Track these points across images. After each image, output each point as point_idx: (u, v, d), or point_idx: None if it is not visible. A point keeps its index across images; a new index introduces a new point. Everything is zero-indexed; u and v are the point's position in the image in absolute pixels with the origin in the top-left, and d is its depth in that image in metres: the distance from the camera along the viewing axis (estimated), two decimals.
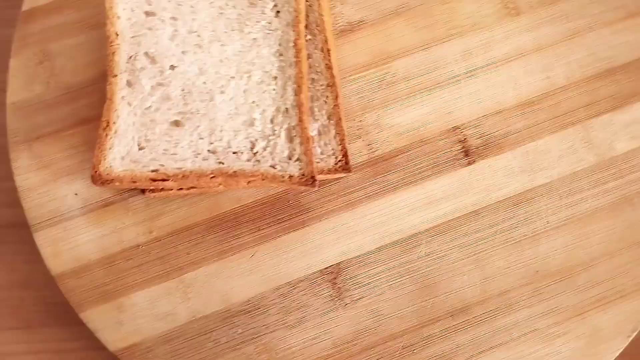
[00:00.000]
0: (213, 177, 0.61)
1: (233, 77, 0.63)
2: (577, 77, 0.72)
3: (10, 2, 0.75)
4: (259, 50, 0.64)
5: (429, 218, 0.68)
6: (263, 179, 0.62)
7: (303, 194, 0.68)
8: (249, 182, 0.62)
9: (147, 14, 0.63)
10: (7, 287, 0.71)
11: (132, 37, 0.62)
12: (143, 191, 0.63)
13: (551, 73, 0.72)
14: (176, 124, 0.62)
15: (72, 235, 0.65)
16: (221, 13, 0.64)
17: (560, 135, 0.71)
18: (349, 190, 0.68)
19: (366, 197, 0.68)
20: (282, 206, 0.68)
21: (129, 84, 0.61)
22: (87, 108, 0.68)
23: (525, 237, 0.68)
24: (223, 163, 0.61)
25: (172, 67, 0.62)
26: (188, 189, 0.63)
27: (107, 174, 0.59)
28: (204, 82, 0.62)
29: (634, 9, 0.74)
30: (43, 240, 0.65)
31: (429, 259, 0.67)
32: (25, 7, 0.70)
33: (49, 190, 0.66)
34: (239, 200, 0.67)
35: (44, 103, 0.68)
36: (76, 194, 0.66)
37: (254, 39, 0.64)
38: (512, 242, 0.68)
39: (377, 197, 0.68)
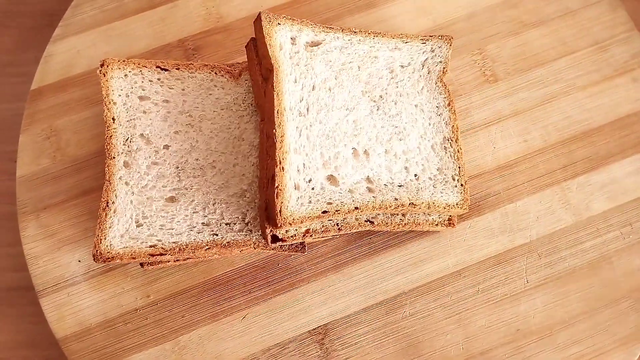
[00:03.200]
0: (208, 248, 0.65)
1: (224, 153, 0.67)
2: (554, 140, 0.75)
3: (22, 77, 0.81)
4: (247, 127, 0.69)
5: (413, 279, 0.71)
6: (255, 247, 0.66)
7: (292, 256, 0.72)
8: (241, 250, 0.66)
9: (141, 98, 0.68)
10: (13, 347, 0.75)
11: (128, 120, 0.67)
12: (142, 265, 0.67)
13: (528, 136, 0.75)
14: (171, 199, 0.66)
15: (75, 300, 0.70)
16: (210, 94, 0.69)
17: (539, 196, 0.74)
18: (336, 253, 0.72)
19: (352, 259, 0.72)
20: (272, 269, 0.71)
21: (126, 164, 0.66)
22: (90, 180, 0.73)
23: (506, 296, 0.71)
24: (217, 235, 0.65)
25: (166, 147, 0.67)
26: (184, 259, 0.67)
27: (108, 252, 0.63)
28: (196, 159, 0.67)
29: (608, 72, 0.77)
30: (48, 305, 0.70)
31: (413, 318, 0.70)
32: (33, 85, 0.75)
33: (54, 257, 0.71)
34: (231, 264, 0.71)
35: (51, 175, 0.73)
36: (79, 261, 0.71)
37: (241, 116, 0.69)
38: (494, 301, 0.70)
39: (363, 258, 0.72)
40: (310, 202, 0.60)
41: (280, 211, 0.58)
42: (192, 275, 0.71)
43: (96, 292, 0.70)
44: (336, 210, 0.61)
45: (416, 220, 0.68)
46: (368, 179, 0.64)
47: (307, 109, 0.63)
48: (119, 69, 0.67)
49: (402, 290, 0.71)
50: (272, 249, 0.66)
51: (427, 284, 0.71)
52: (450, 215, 0.70)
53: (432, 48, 0.70)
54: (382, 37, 0.68)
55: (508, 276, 0.71)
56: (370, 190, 0.64)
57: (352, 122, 0.65)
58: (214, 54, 0.77)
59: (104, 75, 0.67)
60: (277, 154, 0.59)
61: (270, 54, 0.62)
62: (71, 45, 0.77)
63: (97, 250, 0.63)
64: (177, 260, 0.66)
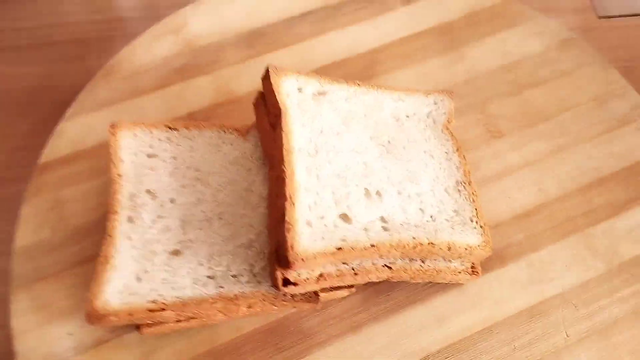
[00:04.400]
0: (213, 302, 0.59)
1: (231, 204, 0.65)
2: (570, 188, 0.73)
3: (33, 160, 0.82)
4: (255, 179, 0.68)
5: (439, 337, 0.64)
6: (264, 300, 0.60)
7: (304, 319, 0.65)
8: (249, 305, 0.61)
9: (149, 156, 0.68)
10: None
11: (135, 177, 0.66)
12: (138, 327, 0.62)
13: (543, 186, 0.73)
14: (176, 253, 0.63)
15: None
16: (218, 150, 0.69)
17: (563, 244, 0.69)
18: (352, 312, 0.66)
19: (371, 318, 0.65)
20: (283, 333, 0.65)
21: (130, 219, 0.64)
22: (91, 247, 0.69)
23: (547, 353, 0.63)
24: (223, 287, 0.61)
25: (172, 201, 0.65)
26: (187, 319, 0.61)
27: (103, 309, 0.58)
28: (202, 211, 0.65)
29: (612, 124, 0.78)
30: None
31: None
32: (42, 160, 0.76)
33: (43, 332, 0.64)
34: (238, 330, 0.65)
35: (50, 246, 0.70)
36: (70, 334, 0.64)
37: (249, 169, 0.68)
38: (534, 359, 0.63)
39: (382, 317, 0.65)
40: (323, 238, 0.57)
41: (292, 246, 0.54)
42: (195, 343, 0.64)
43: None
44: (351, 247, 0.57)
45: (437, 268, 0.64)
46: (382, 219, 0.61)
47: (316, 151, 0.62)
48: (129, 129, 0.68)
49: (429, 352, 0.63)
50: (283, 301, 0.61)
51: (456, 343, 0.64)
52: (473, 264, 0.65)
53: (434, 101, 0.72)
54: (386, 89, 0.70)
55: (545, 331, 0.64)
56: (385, 229, 0.60)
57: (363, 164, 0.64)
58: (223, 122, 0.78)
59: (114, 135, 0.67)
60: (287, 189, 0.57)
61: (278, 99, 0.63)
62: (83, 122, 0.79)
63: (91, 308, 0.58)
64: (179, 320, 0.61)
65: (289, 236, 0.55)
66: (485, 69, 0.83)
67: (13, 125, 0.86)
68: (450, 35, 0.86)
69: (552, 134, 0.77)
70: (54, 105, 0.86)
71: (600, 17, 0.92)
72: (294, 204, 0.57)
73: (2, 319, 0.68)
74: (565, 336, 0.64)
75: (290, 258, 0.54)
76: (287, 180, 0.58)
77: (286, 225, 0.55)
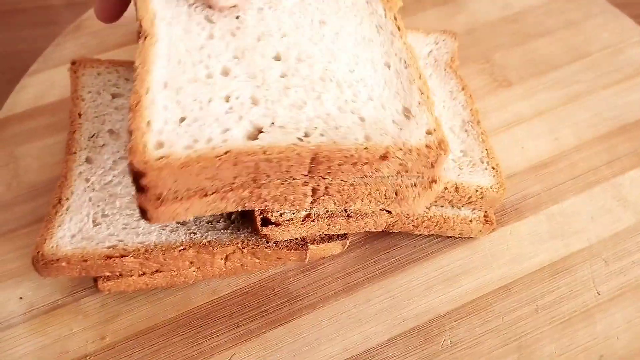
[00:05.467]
0: (183, 249, 0.50)
1: None
2: (589, 137, 0.65)
3: None
4: None
5: (449, 298, 0.55)
6: (242, 248, 0.51)
7: (291, 279, 0.56)
8: (226, 257, 0.52)
9: (114, 95, 0.60)
10: None
11: (96, 117, 0.58)
12: (95, 280, 0.52)
13: (559, 134, 0.65)
14: None
15: (7, 348, 0.52)
16: None
17: (587, 195, 0.61)
18: (346, 272, 0.57)
19: (368, 277, 0.56)
20: (266, 295, 0.55)
21: (89, 160, 0.55)
22: (46, 206, 0.59)
23: (575, 313, 0.54)
24: (195, 233, 0.52)
25: None
26: (152, 273, 0.52)
27: (53, 254, 0.49)
28: None
29: (630, 71, 0.71)
30: None
31: (457, 349, 0.52)
32: None
33: None
34: (213, 292, 0.55)
35: (2, 203, 0.61)
36: (21, 298, 0.55)
37: None
38: (560, 320, 0.53)
39: (381, 276, 0.56)
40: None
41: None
42: (163, 308, 0.55)
43: (36, 336, 0.53)
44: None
45: (444, 215, 0.55)
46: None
47: None
48: (92, 67, 0.61)
49: (437, 313, 0.54)
50: (266, 249, 0.51)
51: (469, 304, 0.55)
52: (485, 212, 0.57)
53: (435, 41, 0.65)
54: None
55: (572, 288, 0.55)
56: None
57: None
58: None
59: (75, 73, 0.60)
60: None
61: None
62: (47, 77, 0.71)
63: (38, 252, 0.49)
64: (144, 274, 0.51)
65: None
66: (487, 20, 0.76)
67: None
68: None
69: (564, 83, 0.70)
70: (18, 69, 0.79)
71: None
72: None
73: None
74: (596, 294, 0.55)
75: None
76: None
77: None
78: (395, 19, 0.53)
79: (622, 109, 0.68)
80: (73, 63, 0.60)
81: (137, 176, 0.40)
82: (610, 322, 0.53)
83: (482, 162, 0.56)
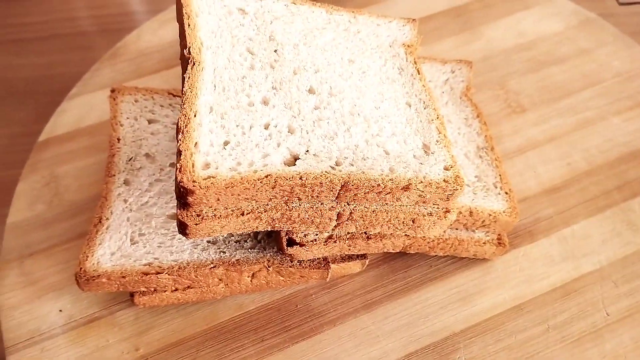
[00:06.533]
0: (213, 267, 0.54)
1: None
2: (600, 162, 0.68)
3: (27, 145, 0.78)
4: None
5: (463, 316, 0.57)
6: (268, 266, 0.55)
7: (313, 296, 0.59)
8: (253, 275, 0.55)
9: (150, 121, 0.65)
10: None
11: (134, 141, 0.63)
12: (132, 295, 0.56)
13: (571, 160, 0.68)
14: (173, 217, 0.58)
15: (49, 357, 0.56)
16: None
17: (598, 218, 0.63)
18: (365, 290, 0.60)
19: (386, 295, 0.59)
20: (289, 311, 0.59)
21: (127, 182, 0.60)
22: (85, 223, 0.65)
23: (585, 333, 0.56)
24: (225, 252, 0.55)
25: (172, 165, 0.61)
26: (184, 289, 0.56)
27: (94, 270, 0.53)
28: None
29: None
30: None
31: None
32: (41, 138, 0.73)
33: (32, 308, 0.59)
34: (240, 307, 0.59)
35: (44, 220, 0.66)
36: (60, 310, 0.59)
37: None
38: (571, 340, 0.56)
39: (399, 295, 0.59)
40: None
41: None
42: (193, 321, 0.58)
43: (75, 346, 0.57)
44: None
45: (459, 237, 0.58)
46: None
47: None
48: (130, 94, 0.65)
49: (452, 331, 0.57)
50: (290, 268, 0.55)
51: (483, 323, 0.57)
52: (499, 235, 0.60)
53: (452, 69, 0.68)
54: None
55: (582, 309, 0.58)
56: None
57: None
58: None
59: (114, 100, 0.64)
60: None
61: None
62: (85, 101, 0.76)
63: (80, 269, 0.53)
64: (176, 289, 0.55)
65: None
66: (502, 48, 0.79)
67: (16, 112, 0.84)
68: (464, 17, 0.83)
69: (576, 109, 0.73)
70: (57, 92, 0.84)
71: (621, 4, 0.89)
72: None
73: None
74: (605, 315, 0.57)
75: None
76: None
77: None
78: (415, 62, 0.57)
79: (633, 135, 0.70)
80: (112, 91, 0.65)
81: (183, 193, 0.44)
82: (619, 342, 0.55)
83: (496, 187, 0.59)
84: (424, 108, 0.54)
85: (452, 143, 0.62)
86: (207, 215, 0.47)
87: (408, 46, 0.59)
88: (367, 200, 0.48)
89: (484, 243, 0.58)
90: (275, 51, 0.55)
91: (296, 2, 0.60)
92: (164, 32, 0.84)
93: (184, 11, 0.53)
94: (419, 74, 0.56)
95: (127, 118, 0.64)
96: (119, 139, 0.62)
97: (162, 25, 0.85)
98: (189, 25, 0.52)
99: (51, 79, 0.87)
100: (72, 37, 0.92)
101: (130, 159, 0.61)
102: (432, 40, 0.80)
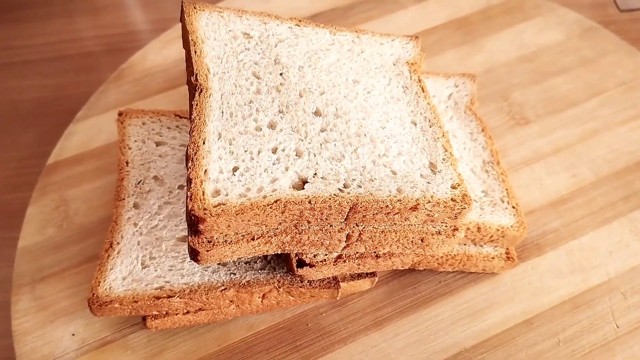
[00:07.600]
0: (224, 290, 0.54)
1: None
2: (606, 172, 0.68)
3: (40, 168, 0.79)
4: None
5: (474, 332, 0.58)
6: (279, 287, 0.55)
7: (323, 315, 0.60)
8: (263, 296, 0.56)
9: (158, 143, 0.65)
10: None
11: (142, 164, 0.63)
12: (144, 319, 0.57)
13: (576, 171, 0.68)
14: (183, 239, 0.58)
15: None
16: None
17: (605, 230, 0.64)
18: (375, 307, 0.60)
19: (396, 312, 0.59)
20: (300, 330, 0.59)
21: (136, 205, 0.60)
22: (95, 246, 0.65)
23: (595, 346, 0.56)
24: (235, 274, 0.56)
25: (181, 187, 0.62)
26: (196, 311, 0.56)
27: (106, 296, 0.54)
28: None
29: None
30: None
31: None
32: (49, 161, 0.73)
33: (45, 333, 0.60)
34: (250, 328, 0.59)
35: (54, 244, 0.66)
36: (73, 335, 0.60)
37: None
38: (582, 353, 0.56)
39: (409, 311, 0.59)
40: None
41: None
42: (204, 342, 0.59)
43: None
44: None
45: (467, 253, 0.58)
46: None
47: None
48: (137, 117, 0.66)
49: (463, 347, 0.57)
50: (300, 288, 0.55)
51: (493, 338, 0.57)
52: (507, 249, 0.60)
53: (455, 84, 0.69)
54: None
55: (592, 322, 0.58)
56: None
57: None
58: None
59: (122, 123, 0.65)
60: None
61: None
62: (92, 123, 0.77)
63: (93, 294, 0.53)
64: (188, 312, 0.55)
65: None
66: (504, 60, 0.79)
67: (24, 134, 0.85)
68: (465, 29, 0.83)
69: (581, 120, 0.73)
70: (64, 113, 0.85)
71: (622, 11, 0.90)
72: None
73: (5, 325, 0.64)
74: (615, 327, 0.57)
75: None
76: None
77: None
78: (420, 80, 0.58)
79: (637, 145, 0.70)
80: (120, 114, 0.65)
81: (195, 221, 0.45)
82: (630, 355, 0.55)
83: (503, 202, 0.60)
84: (430, 126, 0.54)
85: (459, 158, 0.62)
86: (218, 242, 0.47)
87: (412, 64, 0.60)
88: (375, 221, 0.49)
89: (492, 258, 0.59)
90: (281, 74, 0.56)
91: (300, 24, 0.61)
92: (168, 52, 0.84)
93: (190, 38, 0.54)
94: (423, 91, 0.57)
95: (135, 141, 0.65)
96: (127, 163, 0.63)
97: (166, 45, 0.85)
98: (195, 52, 0.53)
99: (58, 100, 0.88)
100: (78, 58, 0.93)
101: (139, 182, 0.62)
102: (434, 53, 0.81)
